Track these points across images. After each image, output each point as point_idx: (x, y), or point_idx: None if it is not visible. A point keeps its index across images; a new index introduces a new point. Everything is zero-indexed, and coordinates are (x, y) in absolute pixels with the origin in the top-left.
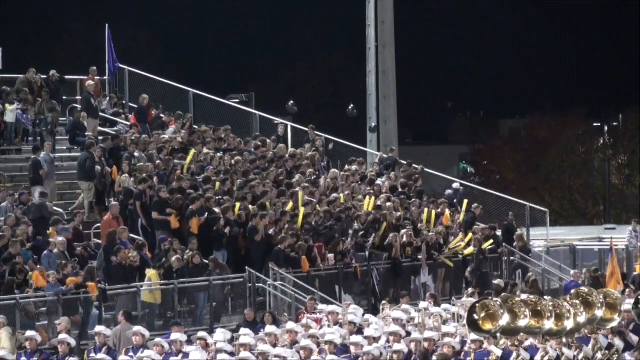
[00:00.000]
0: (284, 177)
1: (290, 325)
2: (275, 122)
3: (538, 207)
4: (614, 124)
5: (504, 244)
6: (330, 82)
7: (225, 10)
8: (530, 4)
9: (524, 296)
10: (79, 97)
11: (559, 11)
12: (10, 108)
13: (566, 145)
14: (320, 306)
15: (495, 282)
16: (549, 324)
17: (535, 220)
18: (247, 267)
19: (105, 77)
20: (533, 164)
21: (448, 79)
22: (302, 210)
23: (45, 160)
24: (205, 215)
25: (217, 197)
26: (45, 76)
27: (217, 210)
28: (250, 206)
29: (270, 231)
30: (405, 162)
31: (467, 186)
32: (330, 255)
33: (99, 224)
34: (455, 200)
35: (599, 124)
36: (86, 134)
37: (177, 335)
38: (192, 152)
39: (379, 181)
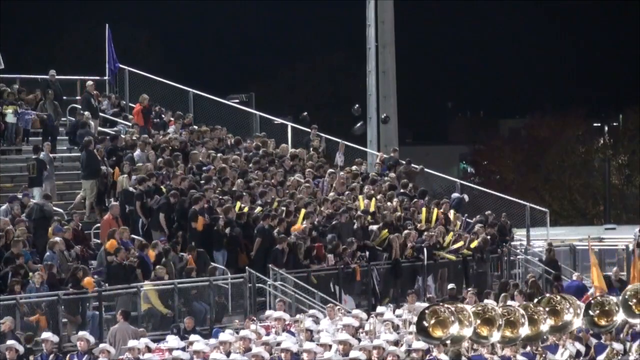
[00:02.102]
0: (283, 177)
1: (244, 332)
2: (275, 122)
3: (538, 207)
4: (614, 124)
5: (504, 244)
6: (330, 82)
7: (225, 10)
8: (530, 4)
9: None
10: (78, 97)
11: (559, 11)
12: (10, 108)
13: (566, 145)
14: (267, 312)
15: (450, 286)
16: (497, 334)
17: (535, 220)
18: (247, 267)
19: (105, 77)
20: (533, 164)
21: (448, 79)
22: (302, 212)
23: (46, 161)
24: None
25: (218, 197)
26: (46, 76)
27: (217, 210)
28: (259, 207)
29: (274, 232)
30: (404, 162)
31: (467, 186)
32: (331, 256)
33: (99, 224)
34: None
35: (599, 124)
36: (87, 130)
37: (134, 343)
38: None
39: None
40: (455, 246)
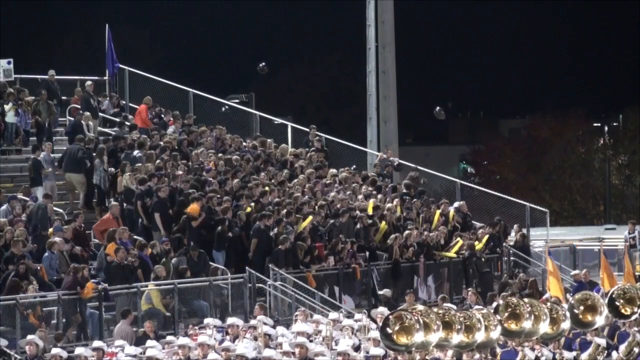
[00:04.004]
0: (284, 177)
1: (202, 338)
2: (275, 122)
3: (538, 207)
4: (614, 124)
5: (504, 244)
6: (330, 82)
7: (225, 10)
8: (530, 4)
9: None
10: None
11: (559, 11)
12: (9, 108)
13: (566, 145)
14: (207, 320)
15: (382, 292)
16: (457, 338)
17: (535, 220)
18: (247, 267)
19: (105, 77)
20: (533, 164)
21: (448, 79)
22: (309, 218)
23: (45, 161)
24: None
25: (217, 197)
26: (45, 76)
27: (217, 209)
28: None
29: (272, 233)
30: (412, 166)
31: (467, 186)
32: (331, 257)
33: None
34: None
35: (599, 124)
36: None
37: (92, 351)
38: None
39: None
40: (456, 248)
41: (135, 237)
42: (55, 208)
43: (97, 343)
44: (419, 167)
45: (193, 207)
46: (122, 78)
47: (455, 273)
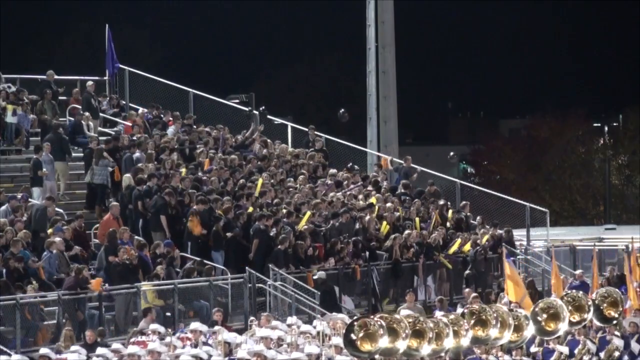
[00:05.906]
0: (284, 176)
1: (152, 345)
2: (275, 122)
3: (538, 207)
4: (614, 124)
5: (503, 244)
6: (330, 82)
7: (225, 10)
8: (530, 4)
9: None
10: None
11: (559, 11)
12: (10, 108)
13: (566, 145)
14: (152, 326)
15: (317, 275)
16: (428, 347)
17: (535, 220)
18: (247, 267)
19: (105, 77)
20: (533, 164)
21: (448, 79)
22: (308, 214)
23: (44, 161)
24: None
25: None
26: (44, 77)
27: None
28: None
29: (271, 233)
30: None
31: (467, 186)
32: (331, 259)
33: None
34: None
35: (599, 124)
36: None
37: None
38: (260, 180)
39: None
40: (455, 246)
41: (135, 237)
42: (55, 208)
43: (43, 350)
44: (419, 168)
45: (194, 224)
46: (122, 78)
47: (455, 273)
